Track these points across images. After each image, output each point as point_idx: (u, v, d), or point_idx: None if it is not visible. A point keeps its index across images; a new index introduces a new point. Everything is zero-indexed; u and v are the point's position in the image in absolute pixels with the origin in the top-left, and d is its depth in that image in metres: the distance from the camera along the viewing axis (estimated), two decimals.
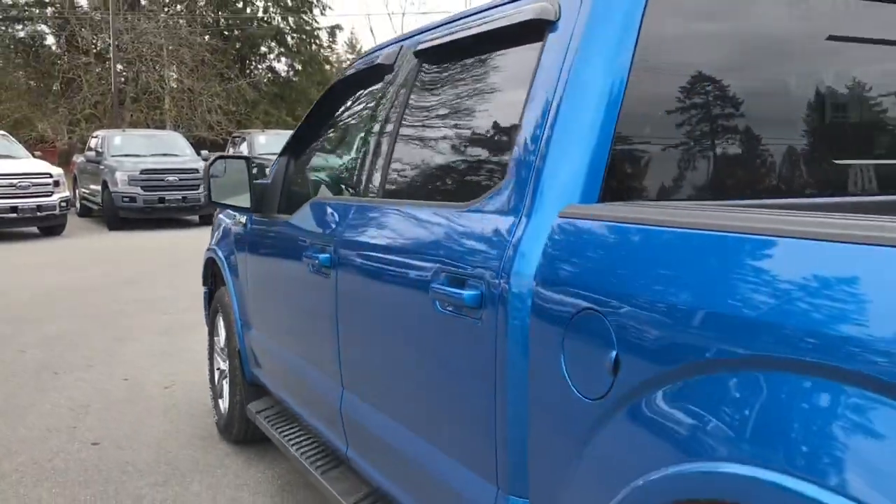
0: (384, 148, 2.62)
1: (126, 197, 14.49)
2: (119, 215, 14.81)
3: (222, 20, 40.49)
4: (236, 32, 40.55)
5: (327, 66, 46.06)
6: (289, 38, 42.95)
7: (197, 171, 14.77)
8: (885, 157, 2.17)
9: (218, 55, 35.25)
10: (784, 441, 1.15)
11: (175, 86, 32.79)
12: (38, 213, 13.14)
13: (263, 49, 42.49)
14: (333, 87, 3.33)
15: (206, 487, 3.69)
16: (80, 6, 34.06)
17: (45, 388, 5.18)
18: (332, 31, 45.73)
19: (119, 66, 31.38)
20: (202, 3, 40.50)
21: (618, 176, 1.80)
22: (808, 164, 2.03)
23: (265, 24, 41.75)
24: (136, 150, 15.80)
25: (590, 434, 1.53)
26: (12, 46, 34.23)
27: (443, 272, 2.01)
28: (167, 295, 8.36)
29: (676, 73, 1.92)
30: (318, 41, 44.46)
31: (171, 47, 30.94)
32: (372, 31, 61.29)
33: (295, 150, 3.53)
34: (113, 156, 15.42)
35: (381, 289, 2.37)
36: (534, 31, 2.00)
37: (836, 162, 2.09)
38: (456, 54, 2.43)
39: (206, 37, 37.93)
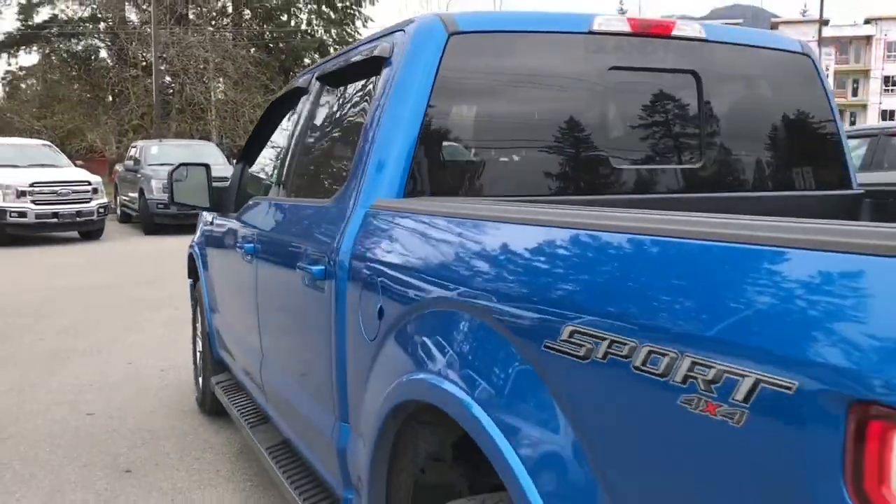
0: (291, 155, 3.19)
1: (161, 203, 15.28)
2: (154, 221, 15.63)
3: (267, 33, 41.32)
4: (280, 45, 41.34)
5: None
6: (331, 50, 43.90)
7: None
8: (651, 163, 2.67)
9: (262, 67, 36.37)
10: (447, 358, 1.68)
11: (219, 97, 33.91)
12: (78, 219, 14.00)
13: (307, 61, 43.42)
14: (271, 104, 3.90)
15: (176, 449, 4.27)
16: (131, 21, 35.44)
17: (55, 370, 5.83)
18: None
19: (167, 79, 32.67)
20: (248, 17, 41.71)
21: (416, 179, 2.33)
22: (574, 170, 2.54)
23: (309, 37, 42.54)
24: (172, 160, 16.61)
25: (371, 366, 2.07)
26: (69, 60, 35.78)
27: (306, 254, 2.56)
28: (181, 292, 9.00)
29: (464, 103, 2.46)
30: None
31: (216, 60, 31.96)
32: None
33: (247, 157, 4.12)
34: (149, 164, 16.26)
35: (277, 270, 2.93)
36: (378, 65, 2.54)
37: (613, 168, 2.59)
38: (339, 79, 2.98)
39: (252, 49, 39.03)
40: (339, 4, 43.60)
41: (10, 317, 7.75)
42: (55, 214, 13.70)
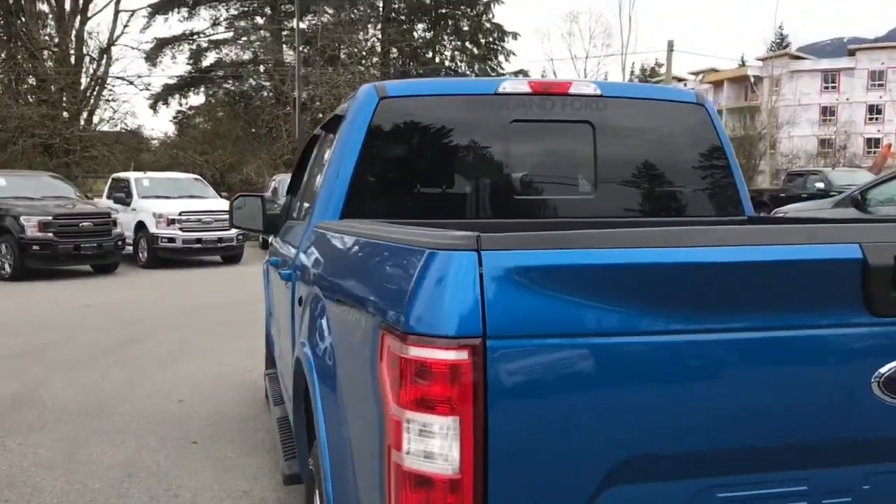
0: (302, 187, 4.08)
1: None
2: None
3: (413, 70, 42.88)
4: None
5: None
6: None
7: None
8: (547, 195, 3.36)
9: None
10: (309, 328, 2.49)
11: None
12: (219, 244, 15.63)
13: None
14: (304, 148, 4.82)
15: (237, 429, 5.24)
16: (288, 62, 38.13)
17: (165, 368, 6.99)
18: (517, 76, 47.38)
19: (320, 115, 34.95)
20: (394, 55, 43.77)
21: (350, 206, 3.13)
22: (476, 199, 3.27)
23: (453, 73, 43.79)
24: None
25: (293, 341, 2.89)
26: (232, 100, 38.90)
27: (284, 262, 3.43)
28: None
29: (390, 149, 3.27)
30: None
31: None
32: (555, 74, 62.60)
33: (292, 187, 5.06)
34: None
35: (277, 276, 3.82)
36: (340, 121, 3.38)
37: (514, 198, 3.31)
38: (328, 129, 3.84)
39: None
40: (483, 40, 44.78)
41: (146, 325, 9.11)
42: (199, 240, 15.36)
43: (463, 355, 1.44)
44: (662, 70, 50.26)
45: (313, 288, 2.52)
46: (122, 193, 16.37)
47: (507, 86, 3.29)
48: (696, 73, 72.07)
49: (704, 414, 1.55)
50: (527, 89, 3.30)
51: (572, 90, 3.35)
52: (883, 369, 1.58)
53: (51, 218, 13.38)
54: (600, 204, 3.39)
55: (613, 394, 1.50)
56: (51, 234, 13.29)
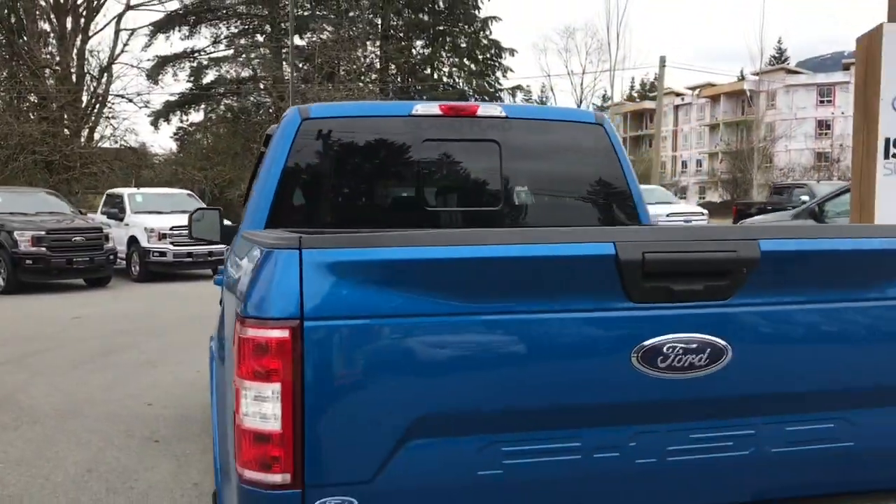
0: (245, 197, 4.43)
1: None
2: None
3: (411, 87, 43.18)
4: (424, 97, 43.08)
5: None
6: (472, 101, 45.60)
7: None
8: (456, 206, 3.70)
9: None
10: (218, 324, 2.83)
11: None
12: (209, 258, 15.96)
13: None
14: (256, 161, 5.18)
15: (199, 429, 5.57)
16: (288, 79, 38.60)
17: (141, 374, 7.33)
18: (514, 91, 47.59)
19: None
20: (393, 71, 44.23)
21: (273, 217, 3.48)
22: (387, 209, 3.61)
23: (450, 88, 44.13)
24: None
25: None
26: (231, 116, 39.36)
27: (219, 269, 3.77)
28: None
29: (312, 165, 3.61)
30: (499, 102, 46.87)
31: None
32: (552, 89, 63.14)
33: (245, 199, 5.41)
34: None
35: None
36: (270, 139, 3.73)
37: (424, 209, 3.65)
38: (266, 145, 4.19)
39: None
40: (480, 56, 45.18)
41: (130, 336, 9.45)
42: (189, 254, 15.71)
43: (285, 334, 1.78)
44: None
45: (223, 289, 2.87)
46: (115, 209, 16.78)
47: (420, 108, 3.65)
48: (693, 88, 72.54)
49: (486, 380, 1.88)
50: (438, 112, 3.65)
51: (480, 112, 3.70)
52: (638, 348, 1.91)
53: (44, 233, 13.77)
54: (506, 215, 3.74)
55: (407, 363, 1.83)
56: (44, 249, 13.67)
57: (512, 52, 45.24)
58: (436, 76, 44.40)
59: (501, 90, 45.80)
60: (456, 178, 3.79)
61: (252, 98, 39.38)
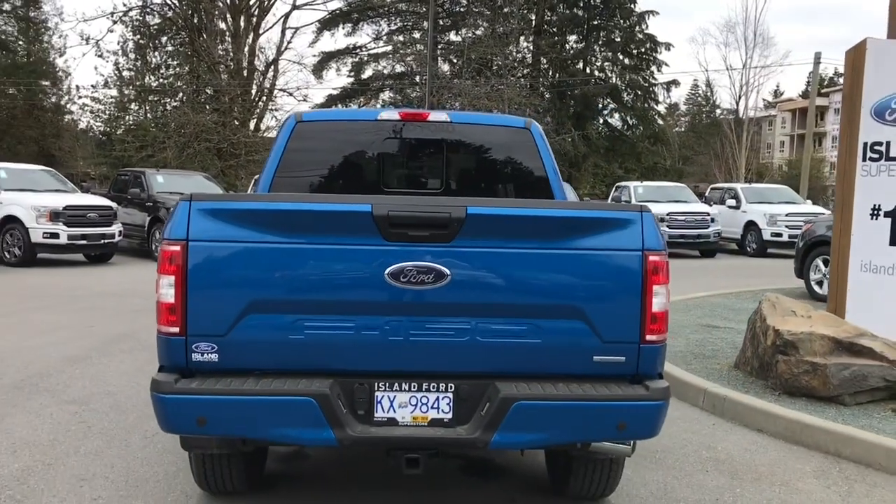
0: None
1: None
2: None
3: (563, 81, 43.42)
4: (575, 91, 43.25)
5: (660, 122, 47.76)
6: (624, 95, 45.48)
7: None
8: (411, 188, 4.91)
9: (552, 112, 39.51)
10: None
11: None
12: None
13: (599, 106, 45.24)
14: None
15: None
16: (444, 73, 40.26)
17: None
18: (668, 86, 46.98)
19: None
20: (545, 66, 44.97)
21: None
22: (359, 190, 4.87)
23: (601, 83, 44.20)
24: None
25: None
26: (395, 108, 41.63)
27: None
28: None
29: (304, 158, 4.90)
30: (653, 97, 46.42)
31: (510, 109, 35.03)
32: (709, 84, 61.54)
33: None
34: None
35: None
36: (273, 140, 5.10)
37: (383, 189, 4.89)
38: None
39: (546, 96, 42.10)
40: (635, 51, 45.10)
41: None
42: None
43: (177, 248, 3.12)
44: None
45: None
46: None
47: (384, 115, 4.89)
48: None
49: (293, 283, 3.06)
50: (398, 118, 4.88)
51: (430, 118, 4.89)
52: (389, 268, 3.11)
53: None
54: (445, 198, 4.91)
55: (244, 268, 3.08)
56: None
57: (668, 46, 44.73)
58: (588, 71, 44.56)
59: (655, 85, 45.36)
60: (409, 167, 5.00)
61: (408, 92, 41.38)
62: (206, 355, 3.13)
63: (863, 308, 6.75)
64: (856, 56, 6.90)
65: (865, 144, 6.76)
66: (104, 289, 12.14)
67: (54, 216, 14.79)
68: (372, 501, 4.14)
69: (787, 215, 20.08)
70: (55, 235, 14.78)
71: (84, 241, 15.20)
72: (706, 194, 24.14)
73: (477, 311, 3.17)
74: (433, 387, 3.21)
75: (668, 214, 19.68)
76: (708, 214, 20.28)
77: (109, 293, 11.60)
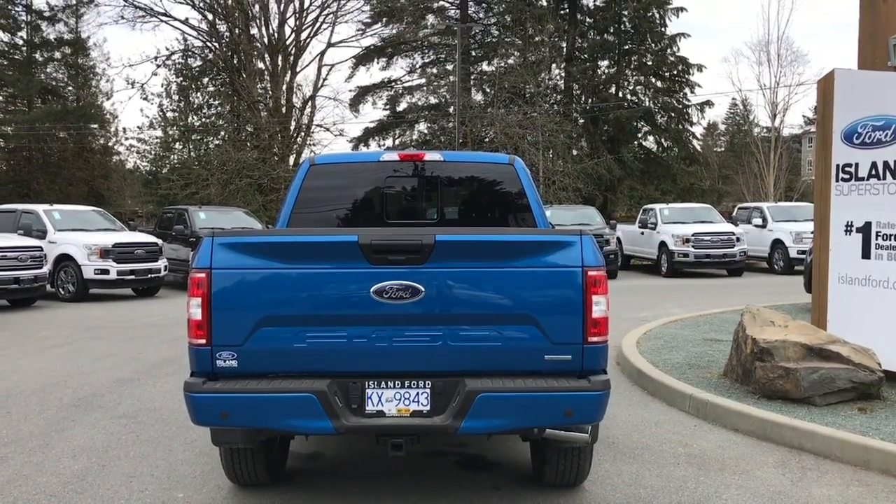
0: None
1: None
2: None
3: (595, 106, 43.75)
4: (609, 115, 43.45)
5: (695, 143, 47.83)
6: (657, 118, 45.62)
7: None
8: (410, 219, 5.62)
9: (586, 136, 40.01)
10: None
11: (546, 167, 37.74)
12: None
13: (632, 129, 45.41)
14: None
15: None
16: (477, 103, 40.93)
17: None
18: (702, 107, 46.87)
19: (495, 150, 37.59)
20: (577, 91, 45.46)
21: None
22: (364, 223, 5.58)
23: (634, 106, 44.42)
24: None
25: None
26: (431, 140, 42.62)
27: None
28: None
29: (317, 196, 5.64)
30: (687, 118, 46.41)
31: (532, 137, 35.67)
32: (744, 104, 61.34)
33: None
34: None
35: None
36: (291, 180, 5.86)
37: (387, 221, 5.60)
38: None
39: (580, 121, 42.56)
40: (667, 73, 45.30)
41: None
42: None
43: (203, 275, 3.86)
44: None
45: None
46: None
47: (386, 157, 5.62)
48: None
49: (296, 302, 3.78)
50: (397, 158, 5.61)
51: (426, 158, 5.60)
52: (374, 287, 3.78)
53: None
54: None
55: (257, 290, 3.79)
56: None
57: (700, 67, 44.67)
58: (619, 94, 44.80)
59: (689, 106, 45.24)
60: (409, 201, 5.73)
61: (442, 122, 42.16)
62: (227, 362, 3.86)
63: (842, 318, 7.27)
64: (825, 85, 7.48)
65: (838, 166, 7.32)
66: (151, 320, 13.04)
67: (104, 253, 15.81)
68: (378, 488, 4.80)
69: (812, 233, 20.34)
70: (105, 272, 15.80)
71: (132, 276, 16.21)
72: (733, 214, 24.48)
73: (447, 321, 3.85)
74: (413, 384, 3.89)
75: (693, 235, 20.17)
76: (733, 234, 20.68)
77: (155, 324, 12.48)
